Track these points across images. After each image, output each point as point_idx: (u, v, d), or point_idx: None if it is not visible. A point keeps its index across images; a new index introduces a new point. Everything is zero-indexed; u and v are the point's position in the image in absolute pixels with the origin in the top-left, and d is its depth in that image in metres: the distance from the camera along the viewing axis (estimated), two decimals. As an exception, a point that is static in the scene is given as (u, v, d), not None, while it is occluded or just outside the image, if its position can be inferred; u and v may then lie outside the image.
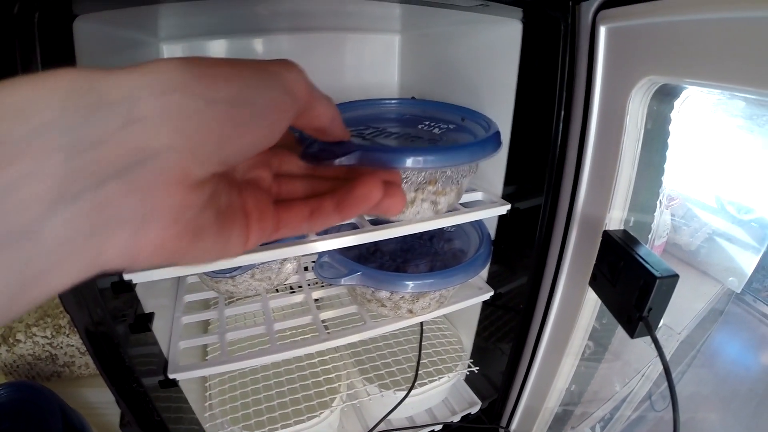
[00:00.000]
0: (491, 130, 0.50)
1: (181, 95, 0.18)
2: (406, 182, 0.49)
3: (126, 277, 0.48)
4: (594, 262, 0.47)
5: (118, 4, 0.46)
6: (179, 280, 0.78)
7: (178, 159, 0.18)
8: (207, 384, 0.72)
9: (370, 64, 0.90)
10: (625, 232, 0.45)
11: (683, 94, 0.45)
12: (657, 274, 0.37)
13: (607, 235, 0.45)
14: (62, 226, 0.16)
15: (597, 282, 0.46)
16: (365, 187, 0.26)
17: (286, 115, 0.23)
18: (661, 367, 0.71)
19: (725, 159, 0.56)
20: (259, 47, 0.82)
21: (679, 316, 0.68)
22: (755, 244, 0.61)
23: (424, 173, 0.48)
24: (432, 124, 0.58)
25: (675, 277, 0.37)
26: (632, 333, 0.39)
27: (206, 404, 0.69)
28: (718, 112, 0.50)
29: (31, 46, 0.35)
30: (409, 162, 0.41)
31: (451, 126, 0.57)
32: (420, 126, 0.58)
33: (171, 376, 0.56)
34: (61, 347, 0.85)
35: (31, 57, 0.35)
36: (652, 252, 0.40)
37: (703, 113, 0.50)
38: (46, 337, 0.83)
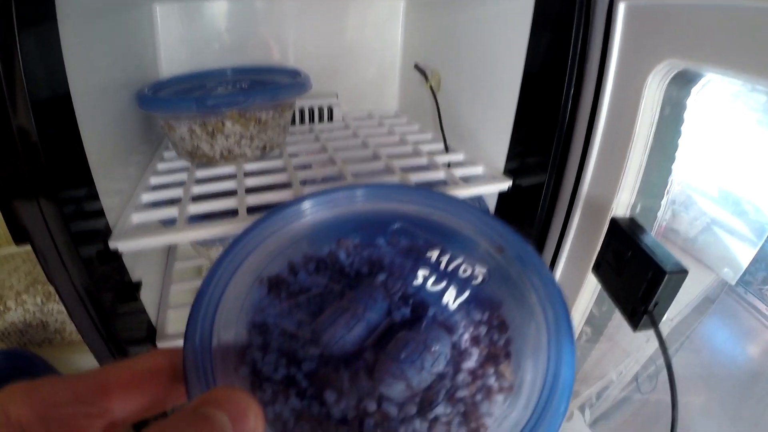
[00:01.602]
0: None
1: None
2: None
3: (111, 245, 0.46)
4: (598, 249, 0.46)
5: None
6: (170, 247, 0.76)
7: None
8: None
9: (373, 27, 0.86)
10: (632, 220, 0.44)
11: (702, 81, 0.43)
12: (667, 268, 0.36)
13: (614, 222, 0.43)
14: None
15: (601, 270, 0.45)
16: None
17: None
18: (649, 351, 0.72)
19: (735, 151, 0.54)
20: (260, 6, 0.78)
21: (673, 302, 0.68)
22: (753, 238, 0.61)
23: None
24: (442, 263, 0.27)
25: (684, 273, 0.36)
26: (635, 326, 0.38)
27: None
28: (736, 103, 0.48)
29: (7, 9, 0.32)
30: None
31: (477, 270, 0.27)
32: (422, 268, 0.27)
33: (159, 345, 0.55)
34: (52, 314, 0.84)
35: (8, 20, 0.32)
36: (661, 244, 0.39)
37: (721, 103, 0.48)
38: (36, 304, 0.82)
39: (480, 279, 0.26)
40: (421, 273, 0.26)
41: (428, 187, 0.55)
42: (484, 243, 0.27)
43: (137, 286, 0.53)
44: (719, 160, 0.56)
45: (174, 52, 0.76)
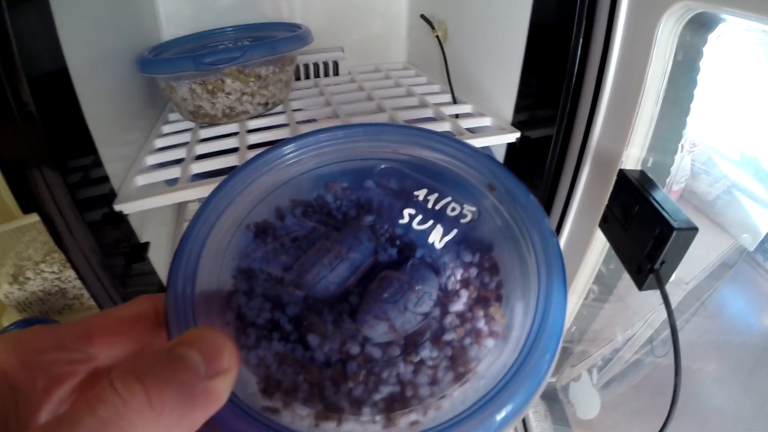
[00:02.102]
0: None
1: None
2: None
3: (116, 207, 0.46)
4: (606, 203, 0.44)
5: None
6: (180, 206, 0.77)
7: None
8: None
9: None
10: (642, 173, 0.41)
11: (719, 29, 0.40)
12: (675, 225, 0.34)
13: (622, 174, 0.41)
14: None
15: (608, 224, 0.43)
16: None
17: None
18: (665, 314, 0.70)
19: (757, 109, 0.51)
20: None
21: (688, 266, 0.66)
22: None
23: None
24: (429, 202, 0.26)
25: (694, 231, 0.34)
26: (640, 285, 0.37)
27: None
28: (757, 53, 0.45)
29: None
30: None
31: (466, 209, 0.25)
32: (408, 208, 0.26)
33: (170, 305, 0.56)
34: (69, 281, 0.86)
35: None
36: (671, 199, 0.37)
37: (740, 53, 0.44)
38: (54, 272, 0.84)
39: (469, 218, 0.25)
40: (407, 212, 0.25)
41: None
42: (475, 181, 0.26)
43: (145, 246, 0.53)
44: (740, 118, 0.53)
45: (176, 14, 0.74)
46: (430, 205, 0.25)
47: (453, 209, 0.25)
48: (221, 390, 0.16)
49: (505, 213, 0.24)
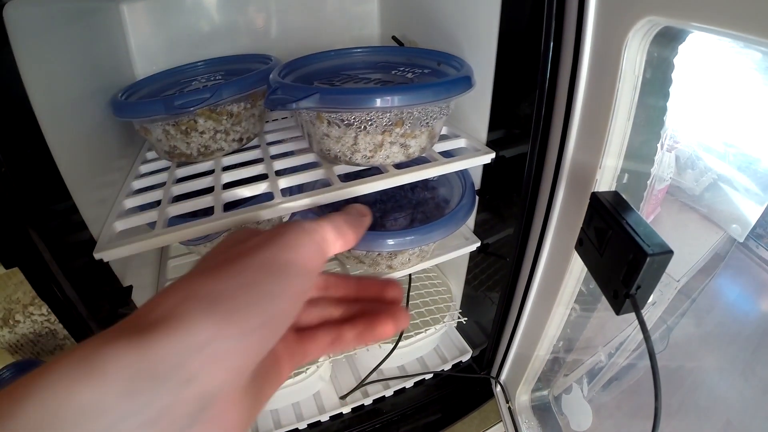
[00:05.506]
0: (463, 71, 0.50)
1: (218, 343, 0.20)
2: (371, 124, 0.46)
3: (96, 256, 0.46)
4: (581, 225, 0.44)
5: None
6: (163, 247, 0.76)
7: (230, 388, 0.22)
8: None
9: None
10: (616, 194, 0.41)
11: (689, 38, 0.40)
12: (649, 251, 0.33)
13: (595, 197, 0.40)
14: None
15: (583, 248, 0.43)
16: (385, 327, 0.31)
17: (308, 290, 0.26)
18: (659, 312, 0.70)
19: (734, 107, 0.51)
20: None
21: (679, 262, 0.66)
22: (760, 193, 0.58)
23: (389, 114, 0.46)
24: (406, 69, 0.56)
25: (668, 254, 0.33)
26: (618, 310, 0.36)
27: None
28: (728, 61, 0.45)
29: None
30: (372, 102, 0.42)
31: (426, 70, 0.55)
32: (394, 72, 0.56)
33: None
34: (59, 322, 0.85)
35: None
36: (645, 222, 0.36)
37: (712, 61, 0.44)
38: (43, 314, 0.85)
39: (425, 71, 0.55)
40: (393, 72, 0.55)
41: (408, 165, 0.54)
42: (430, 62, 0.57)
43: (128, 290, 0.53)
44: (721, 115, 0.53)
45: (149, 50, 0.73)
46: (407, 69, 0.57)
47: (416, 71, 0.56)
48: None
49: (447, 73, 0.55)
